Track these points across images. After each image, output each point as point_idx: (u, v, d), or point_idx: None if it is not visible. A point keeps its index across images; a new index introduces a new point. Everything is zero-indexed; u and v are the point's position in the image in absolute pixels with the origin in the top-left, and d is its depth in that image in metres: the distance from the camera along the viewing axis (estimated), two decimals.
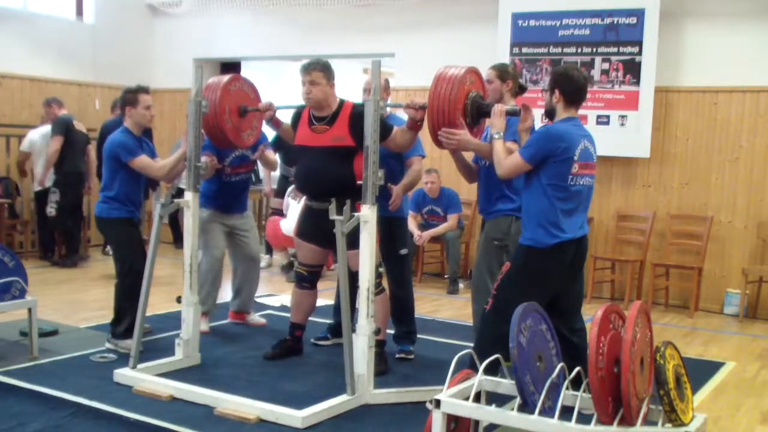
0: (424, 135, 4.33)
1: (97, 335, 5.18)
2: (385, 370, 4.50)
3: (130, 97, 4.92)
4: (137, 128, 4.91)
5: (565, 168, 3.70)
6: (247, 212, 5.53)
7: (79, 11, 9.53)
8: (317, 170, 4.43)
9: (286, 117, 4.85)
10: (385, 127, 4.25)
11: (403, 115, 4.41)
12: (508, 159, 3.81)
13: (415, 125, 4.22)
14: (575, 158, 3.71)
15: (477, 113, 4.06)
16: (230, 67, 10.07)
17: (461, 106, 3.98)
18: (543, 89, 3.99)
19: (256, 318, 5.73)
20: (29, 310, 4.63)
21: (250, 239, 5.50)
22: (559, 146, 3.68)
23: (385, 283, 4.67)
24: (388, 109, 4.89)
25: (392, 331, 4.98)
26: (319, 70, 4.40)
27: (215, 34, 9.58)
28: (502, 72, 4.36)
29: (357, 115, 4.30)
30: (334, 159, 4.35)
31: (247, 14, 9.20)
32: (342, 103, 4.50)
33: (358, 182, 4.09)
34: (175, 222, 8.86)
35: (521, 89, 4.46)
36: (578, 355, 3.65)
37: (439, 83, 3.97)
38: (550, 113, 3.87)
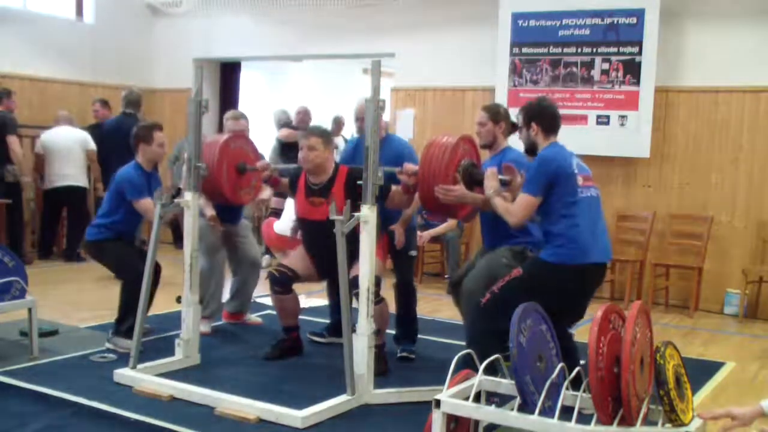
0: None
1: (97, 335, 5.18)
2: (385, 371, 4.50)
3: (145, 133, 4.95)
4: (149, 164, 4.95)
5: (571, 183, 3.75)
6: (241, 222, 5.54)
7: (79, 11, 9.53)
8: (321, 243, 4.48)
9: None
10: (385, 188, 4.30)
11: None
12: (515, 204, 3.81)
13: (409, 191, 4.28)
14: (576, 171, 3.77)
15: (469, 182, 4.09)
16: (230, 67, 10.08)
17: (453, 169, 4.02)
18: (519, 127, 4.03)
19: (252, 317, 5.74)
20: (29, 310, 4.63)
21: (248, 243, 5.51)
22: (558, 165, 3.74)
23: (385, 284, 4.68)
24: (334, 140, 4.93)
25: (392, 331, 4.98)
26: (318, 136, 4.53)
27: (215, 34, 9.58)
28: (494, 113, 4.42)
29: (352, 181, 4.34)
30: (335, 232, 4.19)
31: (247, 14, 9.20)
32: (337, 169, 4.56)
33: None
34: (174, 222, 8.85)
35: (513, 127, 4.46)
36: (570, 354, 3.66)
37: (431, 148, 4.02)
38: (531, 149, 3.93)
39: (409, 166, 4.23)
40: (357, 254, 4.08)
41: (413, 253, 4.97)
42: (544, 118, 3.88)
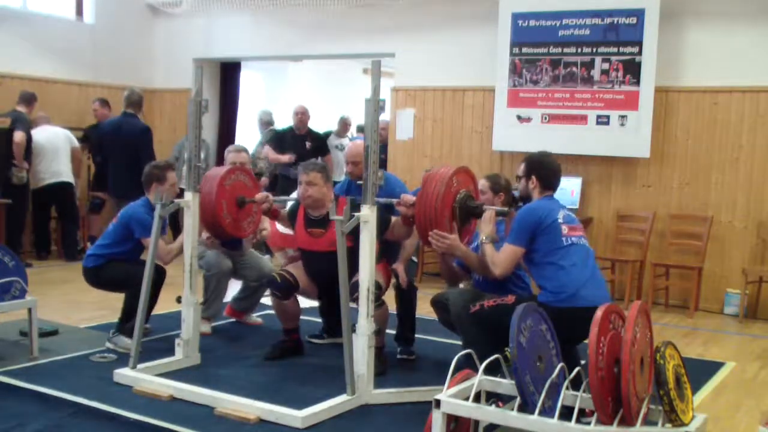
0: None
1: (97, 335, 5.18)
2: (384, 371, 4.49)
3: (158, 174, 4.95)
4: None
5: (554, 232, 3.79)
6: (243, 248, 5.52)
7: (79, 11, 9.52)
8: (322, 273, 4.54)
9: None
10: (385, 220, 4.35)
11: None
12: (500, 254, 3.87)
13: (408, 222, 4.26)
14: (560, 221, 3.82)
15: (466, 214, 4.10)
16: (230, 67, 10.08)
17: (449, 205, 4.00)
18: (517, 176, 4.12)
19: (252, 317, 5.75)
20: (29, 310, 4.63)
21: (255, 258, 5.54)
22: (540, 215, 3.82)
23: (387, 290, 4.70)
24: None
25: (392, 331, 4.98)
26: (317, 172, 4.60)
27: (215, 34, 9.58)
28: (494, 184, 4.47)
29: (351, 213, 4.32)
30: (335, 263, 4.14)
31: (247, 14, 9.20)
32: (336, 200, 4.56)
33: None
34: (175, 222, 8.86)
35: (514, 200, 4.48)
36: (570, 354, 3.66)
37: (428, 183, 4.01)
38: (525, 198, 3.99)
39: (407, 197, 4.23)
40: (357, 266, 4.07)
41: (414, 258, 5.03)
42: (544, 173, 3.99)
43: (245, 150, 5.67)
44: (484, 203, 4.22)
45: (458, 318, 4.12)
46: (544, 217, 3.82)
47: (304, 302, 5.04)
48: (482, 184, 4.44)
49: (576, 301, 3.69)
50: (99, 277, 4.98)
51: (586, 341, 3.00)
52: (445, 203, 3.97)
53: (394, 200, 4.30)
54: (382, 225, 4.27)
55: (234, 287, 5.79)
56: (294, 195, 5.26)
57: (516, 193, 4.44)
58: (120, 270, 4.90)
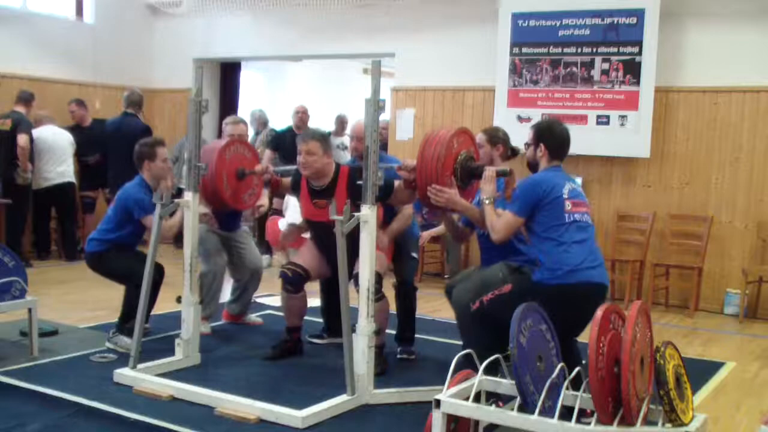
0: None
1: (97, 335, 5.18)
2: (384, 371, 4.50)
3: (148, 151, 4.95)
4: (154, 181, 4.95)
5: (558, 208, 3.71)
6: (241, 230, 5.53)
7: (79, 11, 9.53)
8: (329, 243, 4.42)
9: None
10: (388, 185, 4.29)
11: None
12: (500, 220, 3.80)
13: (410, 186, 4.24)
14: (565, 196, 3.73)
15: (467, 175, 4.07)
16: (230, 67, 10.08)
17: (450, 169, 3.99)
18: (525, 143, 4.02)
19: (252, 317, 5.75)
20: (29, 310, 4.63)
21: (249, 250, 5.50)
22: (545, 189, 3.72)
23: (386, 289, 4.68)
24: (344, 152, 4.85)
25: (392, 331, 4.98)
26: (316, 141, 4.51)
27: (215, 34, 9.58)
28: (492, 137, 4.40)
29: (354, 182, 4.32)
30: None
31: (247, 14, 9.20)
32: (338, 170, 4.55)
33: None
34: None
35: (513, 153, 4.45)
36: (571, 353, 3.63)
37: (427, 145, 3.99)
38: (533, 166, 3.92)
39: (408, 162, 4.22)
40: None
41: (415, 255, 5.00)
42: (553, 142, 3.88)
43: (243, 121, 5.61)
44: (484, 163, 4.16)
45: (460, 319, 4.11)
46: (548, 192, 3.72)
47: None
48: (479, 137, 4.37)
49: (574, 277, 3.64)
50: (101, 264, 4.98)
51: (586, 340, 2.99)
52: (446, 165, 3.95)
53: (395, 165, 4.29)
54: (385, 190, 4.19)
55: (228, 285, 5.77)
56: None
57: (514, 147, 4.41)
58: (122, 262, 4.90)
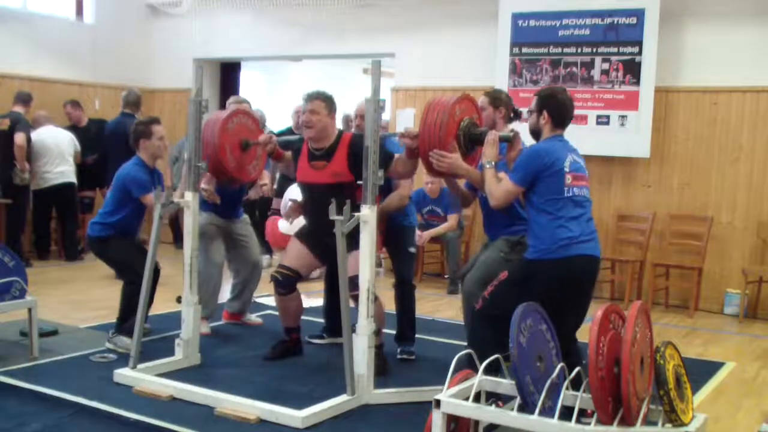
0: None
1: (97, 335, 5.18)
2: (384, 371, 4.49)
3: (143, 129, 4.96)
4: (151, 160, 4.95)
5: (558, 181, 3.68)
6: (242, 218, 5.52)
7: (79, 11, 9.53)
8: (321, 206, 4.30)
9: (281, 123, 4.84)
10: (387, 156, 4.23)
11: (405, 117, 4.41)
12: (499, 187, 3.78)
13: (412, 154, 4.19)
14: (566, 170, 3.70)
15: (470, 141, 4.04)
16: (230, 67, 10.08)
17: (452, 135, 3.97)
18: (528, 110, 3.97)
19: (252, 317, 5.74)
20: (29, 310, 4.63)
21: (251, 244, 5.50)
22: (546, 161, 3.68)
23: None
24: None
25: (392, 331, 4.98)
26: (321, 100, 4.44)
27: (215, 34, 9.58)
28: (494, 99, 4.36)
29: (355, 147, 4.30)
30: (336, 195, 4.20)
31: (247, 14, 9.20)
32: (340, 134, 4.50)
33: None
34: (175, 222, 8.88)
35: (515, 114, 4.42)
36: (572, 353, 3.61)
37: (430, 112, 3.96)
38: (536, 134, 3.88)
39: (410, 129, 4.18)
40: (355, 244, 4.03)
41: (412, 249, 4.94)
42: (557, 110, 3.81)
43: (246, 101, 5.61)
44: (487, 126, 4.13)
45: (466, 311, 4.16)
46: (550, 164, 3.68)
47: (306, 302, 5.02)
48: (482, 100, 4.33)
49: (568, 251, 3.64)
50: (103, 250, 4.99)
51: (586, 340, 2.99)
52: (449, 131, 3.93)
53: (398, 132, 4.26)
54: (384, 162, 4.15)
55: (228, 285, 5.77)
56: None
57: (517, 108, 4.37)
58: (121, 253, 4.89)
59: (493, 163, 3.84)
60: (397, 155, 4.34)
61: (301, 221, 4.95)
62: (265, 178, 5.32)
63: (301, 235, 4.68)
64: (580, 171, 3.79)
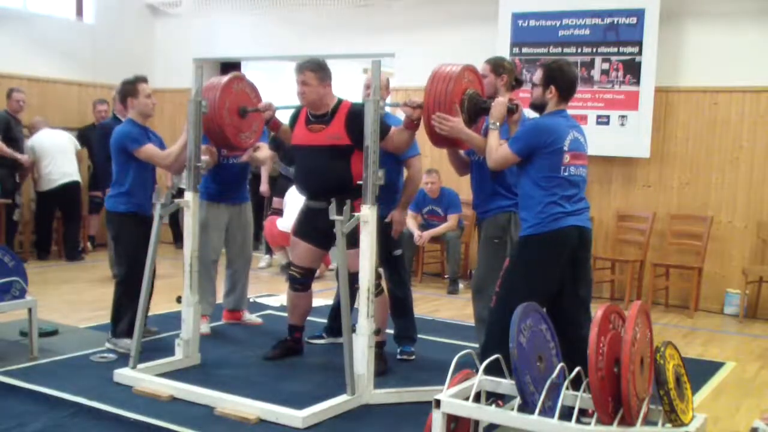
0: (420, 134, 4.34)
1: (97, 335, 5.18)
2: (384, 370, 4.50)
3: (129, 88, 4.92)
4: (141, 118, 4.92)
5: (556, 159, 3.69)
6: (246, 203, 5.46)
7: (79, 11, 9.53)
8: (314, 169, 4.41)
9: (285, 116, 4.83)
10: (383, 128, 4.22)
11: (401, 115, 4.40)
12: (498, 151, 3.80)
13: (411, 124, 4.21)
14: (565, 149, 3.70)
15: (474, 110, 4.04)
16: (230, 67, 10.07)
17: (458, 101, 3.97)
18: (533, 83, 3.90)
19: (252, 318, 5.73)
20: (29, 310, 4.63)
21: (245, 237, 5.45)
22: (547, 139, 3.69)
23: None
24: (387, 108, 4.89)
25: (392, 331, 4.98)
26: (310, 71, 4.39)
27: (215, 34, 9.58)
28: (496, 66, 4.33)
29: (354, 113, 4.30)
30: (331, 158, 4.32)
31: (247, 14, 9.19)
32: (340, 102, 4.48)
33: (358, 182, 4.07)
34: (175, 222, 8.88)
35: (517, 83, 4.42)
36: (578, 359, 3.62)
37: (435, 80, 3.97)
38: (540, 107, 3.86)
39: (414, 99, 4.18)
40: (352, 240, 4.04)
41: (398, 252, 4.90)
42: (564, 84, 3.81)
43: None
44: (489, 94, 4.13)
45: (480, 312, 4.22)
46: (550, 142, 3.68)
47: None
48: (483, 67, 4.32)
49: (559, 223, 3.68)
50: (116, 229, 4.95)
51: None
52: (453, 96, 3.93)
53: (400, 102, 4.27)
54: (381, 133, 4.14)
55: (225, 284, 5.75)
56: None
57: (518, 77, 4.40)
58: (127, 246, 4.84)
59: (498, 124, 3.87)
60: (393, 127, 4.35)
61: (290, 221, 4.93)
62: (262, 152, 5.18)
63: (297, 230, 4.67)
64: (579, 150, 3.79)
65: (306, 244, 4.60)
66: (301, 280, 4.65)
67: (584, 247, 3.83)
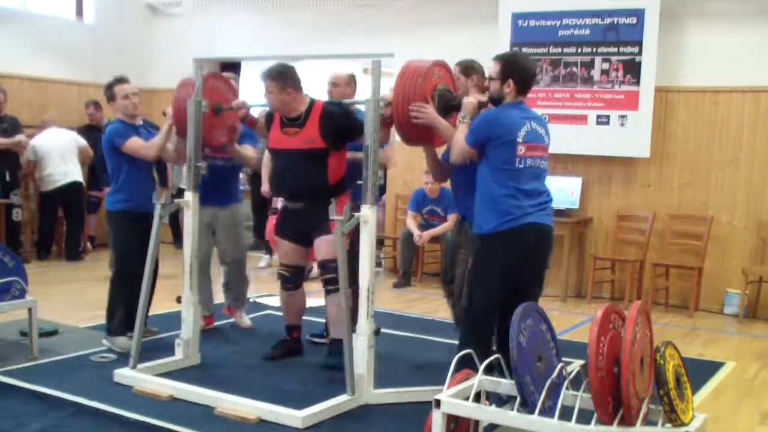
0: None
1: (97, 335, 5.18)
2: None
3: (107, 93, 4.97)
4: (127, 118, 4.92)
5: (509, 151, 3.65)
6: (232, 205, 5.34)
7: (79, 11, 9.53)
8: (290, 173, 4.44)
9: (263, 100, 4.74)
10: (359, 124, 4.20)
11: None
12: (458, 143, 3.78)
13: (385, 122, 4.14)
14: (519, 140, 3.65)
15: (444, 107, 3.99)
16: (230, 67, 10.07)
17: (429, 96, 3.92)
18: (490, 77, 3.84)
19: (244, 320, 5.62)
20: (29, 310, 4.63)
21: (229, 241, 5.32)
22: (497, 131, 3.66)
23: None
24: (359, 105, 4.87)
25: (393, 332, 4.97)
26: (271, 79, 4.40)
27: (215, 34, 9.58)
28: (465, 68, 4.36)
29: (327, 115, 4.35)
30: (307, 161, 4.35)
31: (247, 14, 9.20)
32: (312, 103, 4.49)
33: (334, 182, 4.13)
34: (175, 222, 8.88)
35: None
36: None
37: (404, 76, 3.93)
38: (497, 101, 3.80)
39: (385, 96, 4.14)
40: (326, 228, 4.07)
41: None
42: (523, 77, 3.77)
43: (234, 77, 5.55)
44: (462, 95, 4.08)
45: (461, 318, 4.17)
46: (501, 134, 3.65)
47: (308, 302, 5.01)
48: (455, 69, 4.31)
49: (519, 221, 3.64)
50: (112, 226, 4.96)
51: (586, 340, 2.99)
52: (424, 94, 3.88)
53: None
54: (357, 131, 4.17)
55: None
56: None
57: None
58: (124, 244, 4.86)
59: (468, 118, 3.83)
60: None
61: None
62: (249, 150, 5.16)
63: (278, 230, 4.70)
64: (537, 141, 3.74)
65: (288, 242, 4.63)
66: (291, 279, 4.67)
67: (543, 243, 3.79)
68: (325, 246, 4.31)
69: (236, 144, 5.08)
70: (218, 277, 5.69)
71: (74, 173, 8.26)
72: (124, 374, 4.27)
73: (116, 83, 4.94)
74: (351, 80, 4.99)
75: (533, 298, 3.75)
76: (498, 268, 3.71)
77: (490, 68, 4.10)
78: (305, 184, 4.39)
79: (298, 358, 4.83)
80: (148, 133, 4.97)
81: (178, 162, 5.11)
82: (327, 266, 4.41)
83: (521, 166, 3.67)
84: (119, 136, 4.79)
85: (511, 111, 3.73)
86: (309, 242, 4.58)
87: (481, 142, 3.70)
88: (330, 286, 4.42)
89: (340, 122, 4.42)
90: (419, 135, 4.04)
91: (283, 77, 4.41)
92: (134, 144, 4.80)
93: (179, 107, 4.64)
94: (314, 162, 4.35)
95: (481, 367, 3.10)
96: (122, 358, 4.57)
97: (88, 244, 8.95)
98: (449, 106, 4.01)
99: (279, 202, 7.88)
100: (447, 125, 3.96)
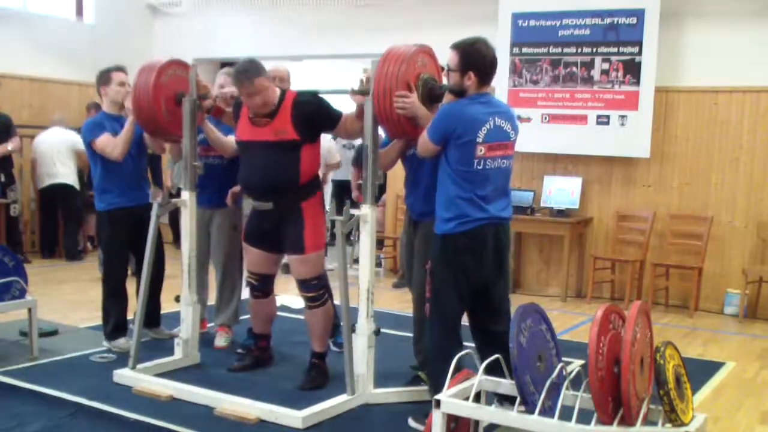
0: None
1: (97, 335, 5.18)
2: (324, 384, 4.29)
3: (104, 76, 4.86)
4: (114, 107, 4.84)
5: (466, 152, 3.48)
6: (228, 208, 4.97)
7: (79, 11, 9.54)
8: (260, 167, 4.10)
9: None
10: (335, 114, 4.10)
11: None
12: (422, 137, 3.62)
13: (362, 113, 3.98)
14: (478, 140, 3.47)
15: (429, 96, 3.80)
16: (230, 67, 10.07)
17: (413, 84, 3.74)
18: (448, 68, 3.59)
19: (219, 340, 5.11)
20: (29, 310, 4.63)
21: (221, 243, 5.05)
22: (455, 128, 3.47)
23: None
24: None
25: (393, 332, 4.97)
26: (250, 79, 4.05)
27: (215, 34, 9.58)
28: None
29: (299, 105, 4.09)
30: (278, 154, 4.06)
31: (247, 14, 9.20)
32: (284, 94, 4.19)
33: (305, 180, 4.03)
34: (175, 221, 8.87)
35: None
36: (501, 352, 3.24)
37: (387, 61, 3.72)
38: (460, 93, 3.59)
39: (366, 71, 3.99)
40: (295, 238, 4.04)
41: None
42: (484, 68, 3.55)
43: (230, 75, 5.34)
44: (448, 84, 3.76)
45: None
46: (460, 134, 3.46)
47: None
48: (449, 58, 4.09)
49: (477, 222, 3.52)
50: (99, 227, 4.97)
51: (585, 340, 2.99)
52: (408, 78, 3.69)
53: (349, 89, 4.03)
54: (331, 121, 4.06)
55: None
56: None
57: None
58: (108, 246, 4.88)
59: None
60: (345, 114, 4.13)
61: None
62: (231, 139, 4.70)
63: (246, 236, 4.41)
64: (499, 139, 3.55)
65: (256, 249, 4.33)
66: (258, 287, 4.41)
67: (501, 238, 3.63)
68: (299, 266, 4.11)
69: (209, 124, 4.73)
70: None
71: (62, 175, 8.24)
72: (123, 374, 4.27)
73: (116, 69, 4.89)
74: (285, 77, 4.78)
75: (499, 293, 3.68)
76: (458, 267, 3.55)
77: (448, 57, 3.73)
78: (275, 178, 4.08)
79: (297, 358, 4.80)
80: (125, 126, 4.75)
81: (162, 152, 5.07)
82: (307, 285, 4.23)
83: (479, 167, 3.50)
84: (90, 131, 4.68)
85: (475, 106, 3.52)
86: (278, 249, 4.33)
87: (442, 137, 3.51)
88: (312, 303, 4.25)
89: (313, 111, 4.11)
90: (399, 127, 3.81)
91: (242, 74, 4.07)
92: (101, 143, 4.63)
93: (137, 96, 4.37)
94: (285, 156, 4.05)
95: (481, 368, 3.10)
96: (122, 358, 4.57)
97: (89, 244, 8.95)
98: (434, 96, 3.81)
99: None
100: (429, 115, 3.70)
